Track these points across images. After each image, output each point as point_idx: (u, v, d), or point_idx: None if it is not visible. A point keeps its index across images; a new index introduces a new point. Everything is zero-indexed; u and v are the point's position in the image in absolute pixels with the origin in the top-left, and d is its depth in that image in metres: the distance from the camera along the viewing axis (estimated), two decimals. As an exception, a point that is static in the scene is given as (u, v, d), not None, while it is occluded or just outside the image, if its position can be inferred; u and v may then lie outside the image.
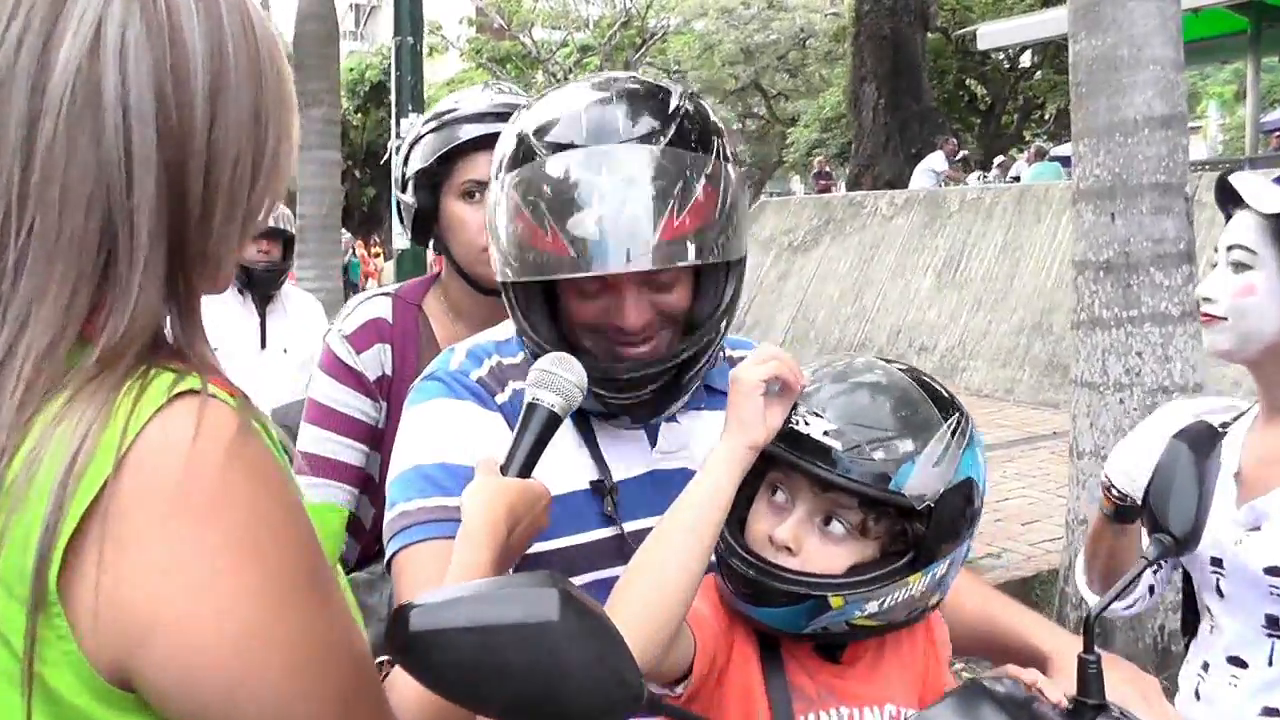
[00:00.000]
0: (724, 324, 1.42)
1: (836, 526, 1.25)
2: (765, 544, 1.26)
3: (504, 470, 1.24)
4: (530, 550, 1.41)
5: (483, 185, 1.86)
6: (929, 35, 20.85)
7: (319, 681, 0.84)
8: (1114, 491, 1.81)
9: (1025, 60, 24.32)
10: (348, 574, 1.94)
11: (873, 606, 1.23)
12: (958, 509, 1.26)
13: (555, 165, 1.33)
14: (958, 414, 1.29)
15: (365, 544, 1.98)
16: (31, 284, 0.79)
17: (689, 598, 1.18)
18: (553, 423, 1.26)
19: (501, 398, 1.47)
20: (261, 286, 4.12)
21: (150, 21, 0.80)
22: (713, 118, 1.43)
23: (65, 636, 0.76)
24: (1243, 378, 7.78)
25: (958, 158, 16.71)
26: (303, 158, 10.57)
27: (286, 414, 3.17)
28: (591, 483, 1.44)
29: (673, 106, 1.38)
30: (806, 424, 1.23)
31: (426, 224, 2.10)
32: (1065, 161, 17.30)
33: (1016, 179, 15.51)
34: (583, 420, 1.46)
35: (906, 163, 17.44)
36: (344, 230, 16.57)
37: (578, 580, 1.41)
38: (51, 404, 0.78)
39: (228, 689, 0.79)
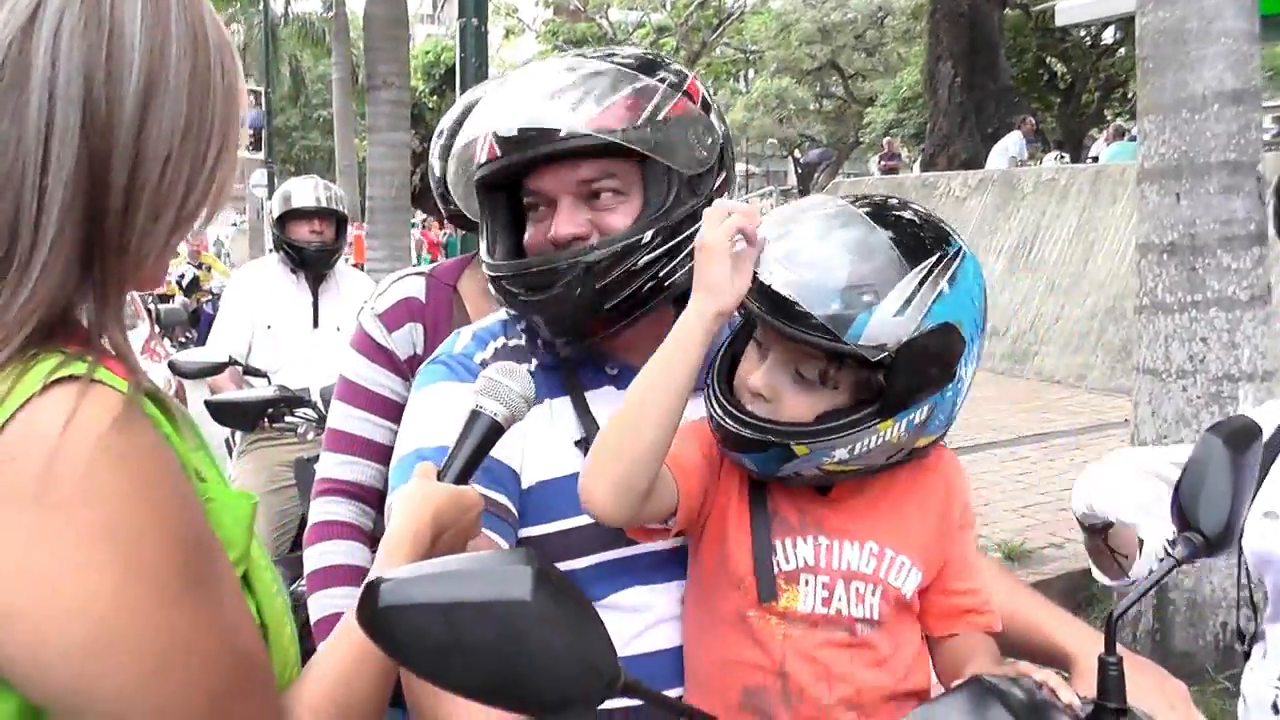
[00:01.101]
0: (652, 240, 1.37)
1: (805, 374, 1.27)
2: (745, 391, 1.31)
3: (440, 476, 1.22)
4: (529, 534, 1.39)
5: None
6: (1007, 12, 20.44)
7: (182, 681, 0.82)
8: (1083, 522, 1.84)
9: (1108, 36, 23.74)
10: (375, 551, 1.95)
11: (841, 453, 1.26)
12: (930, 357, 1.25)
13: (492, 95, 1.49)
14: (938, 255, 1.27)
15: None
16: None
17: (660, 452, 1.23)
18: (494, 432, 1.25)
19: None
20: (314, 266, 4.16)
21: (90, 12, 0.81)
22: (674, 65, 1.49)
23: None
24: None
25: (1034, 138, 16.36)
26: (371, 140, 10.68)
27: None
28: (576, 441, 1.43)
29: (621, 53, 1.47)
30: (770, 274, 1.25)
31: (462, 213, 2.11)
32: (1147, 141, 16.91)
33: (1094, 159, 15.16)
34: (577, 395, 1.45)
35: (983, 143, 17.14)
36: (417, 211, 16.76)
37: (574, 565, 1.40)
38: None
39: (80, 686, 0.79)
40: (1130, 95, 24.61)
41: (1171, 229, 3.68)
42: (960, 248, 1.30)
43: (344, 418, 1.95)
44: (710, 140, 1.44)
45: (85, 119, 0.81)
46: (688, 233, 1.38)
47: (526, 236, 1.45)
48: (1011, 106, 17.78)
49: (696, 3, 30.01)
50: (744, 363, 1.33)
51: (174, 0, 0.86)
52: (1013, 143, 15.86)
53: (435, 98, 30.63)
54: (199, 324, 13.07)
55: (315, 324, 4.16)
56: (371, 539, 1.95)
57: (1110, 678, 1.21)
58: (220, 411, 3.26)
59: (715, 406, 1.32)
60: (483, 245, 1.51)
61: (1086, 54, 24.31)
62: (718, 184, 1.45)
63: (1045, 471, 6.61)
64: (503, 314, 1.54)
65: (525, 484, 1.42)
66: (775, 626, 1.31)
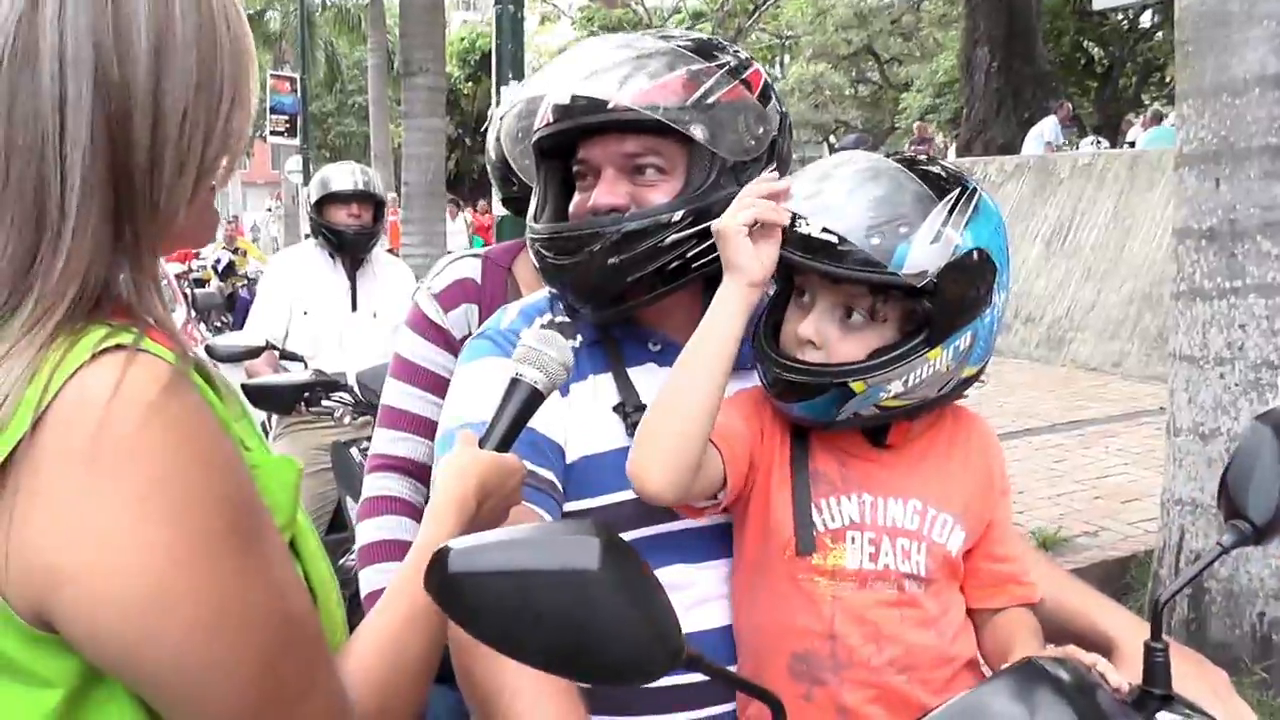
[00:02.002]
0: (683, 220, 1.40)
1: (854, 316, 1.33)
2: (795, 343, 1.36)
3: (482, 444, 1.24)
4: (571, 509, 1.42)
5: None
6: (1045, -4, 20.21)
7: (234, 641, 0.84)
8: None
9: (1145, 20, 23.44)
10: None
11: (896, 386, 1.31)
12: (968, 280, 1.31)
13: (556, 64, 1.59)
14: (959, 188, 1.34)
15: None
16: None
17: (706, 426, 1.28)
18: (534, 399, 1.27)
19: None
20: (352, 250, 4.19)
21: None
22: (739, 52, 1.52)
23: None
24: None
25: (1070, 123, 16.18)
26: (407, 125, 10.71)
27: (374, 377, 3.24)
28: (614, 407, 1.45)
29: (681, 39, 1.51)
30: (808, 225, 1.31)
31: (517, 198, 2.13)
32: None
33: (1131, 144, 14.99)
34: (619, 370, 1.48)
35: (1020, 128, 16.99)
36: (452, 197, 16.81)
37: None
38: None
39: (135, 643, 0.81)
40: (1168, 80, 24.31)
41: (1211, 214, 3.64)
42: (975, 186, 1.36)
43: (399, 395, 1.97)
44: (762, 130, 1.46)
45: (99, 84, 0.83)
46: None
47: (572, 205, 1.49)
48: (1049, 91, 17.62)
49: (733, -13, 29.84)
50: (788, 322, 1.38)
51: None
52: (1048, 128, 15.71)
53: (471, 84, 30.73)
54: (234, 309, 13.19)
55: (354, 308, 4.19)
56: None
57: (1156, 664, 1.22)
58: (257, 395, 3.29)
59: (769, 363, 1.36)
60: (531, 210, 1.55)
61: (1124, 38, 24.03)
62: (765, 174, 1.45)
63: (1079, 459, 6.57)
64: (549, 290, 1.57)
65: (570, 459, 1.44)
66: (824, 588, 1.34)
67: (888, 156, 1.40)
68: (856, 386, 1.30)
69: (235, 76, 0.92)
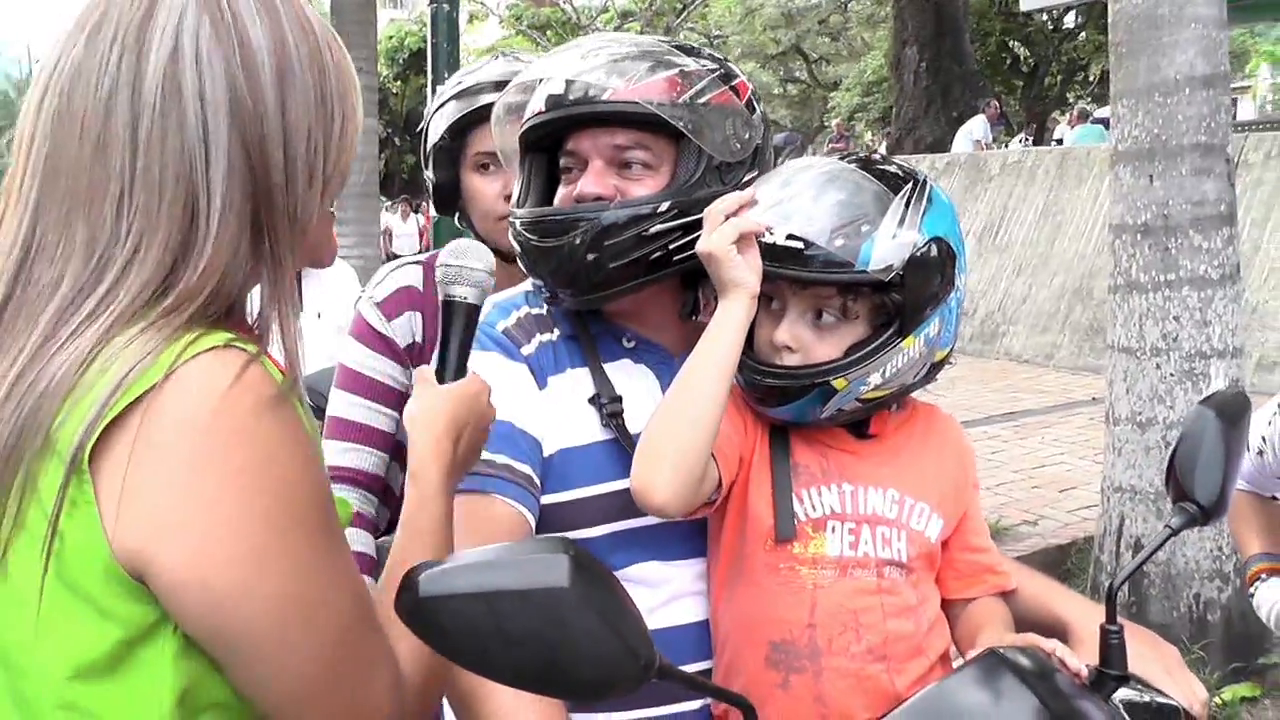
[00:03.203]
0: (668, 211, 1.42)
1: (826, 317, 1.37)
2: (770, 349, 1.39)
3: (440, 378, 1.26)
4: (546, 502, 1.44)
5: (495, 156, 1.88)
6: (971, -3, 20.51)
7: (316, 609, 0.94)
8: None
9: (1069, 21, 23.91)
10: (377, 539, 1.96)
11: (875, 378, 1.36)
12: (931, 269, 1.36)
13: (550, 55, 1.56)
14: (911, 182, 1.39)
15: (395, 509, 2.00)
16: (134, 244, 0.94)
17: (712, 438, 1.31)
18: (473, 314, 1.30)
19: (528, 349, 1.50)
20: (295, 252, 4.13)
21: (218, 27, 0.96)
22: (731, 64, 1.54)
23: (91, 502, 0.88)
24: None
25: (999, 122, 16.44)
26: (340, 126, 10.57)
27: (318, 380, 3.20)
28: (589, 399, 1.48)
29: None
30: (772, 234, 1.34)
31: (449, 197, 2.11)
32: (1108, 124, 17.04)
33: (1059, 142, 15.27)
34: (595, 364, 1.50)
35: (949, 126, 17.22)
36: (383, 198, 16.60)
37: (590, 533, 1.44)
38: (130, 329, 0.92)
39: (226, 598, 0.89)
40: (1091, 79, 24.83)
41: (1145, 210, 3.76)
42: (925, 178, 1.42)
43: (346, 405, 1.97)
44: (748, 135, 1.49)
45: (234, 115, 0.95)
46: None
47: (557, 198, 1.51)
48: (977, 90, 17.89)
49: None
50: (760, 329, 1.41)
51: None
52: (977, 126, 15.93)
53: (399, 83, 30.42)
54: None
55: (301, 307, 4.15)
56: (374, 527, 1.98)
57: (1112, 646, 1.28)
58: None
59: (748, 371, 1.39)
60: (514, 198, 1.57)
61: (1049, 38, 24.44)
62: (747, 178, 1.49)
63: (1016, 450, 6.72)
64: (526, 285, 1.58)
65: (547, 451, 1.45)
66: (805, 576, 1.38)
67: (842, 159, 1.44)
68: (838, 384, 1.35)
69: (342, 93, 1.03)
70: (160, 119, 0.95)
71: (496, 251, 2.03)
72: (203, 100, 0.95)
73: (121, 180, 0.95)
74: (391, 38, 30.45)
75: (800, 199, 1.37)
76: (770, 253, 1.34)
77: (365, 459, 1.94)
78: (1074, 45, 24.42)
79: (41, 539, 0.88)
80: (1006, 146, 14.92)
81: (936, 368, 1.44)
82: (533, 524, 1.41)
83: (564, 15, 29.93)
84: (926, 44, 18.27)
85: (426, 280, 2.03)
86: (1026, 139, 16.70)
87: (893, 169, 1.42)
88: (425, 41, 7.35)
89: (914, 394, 1.47)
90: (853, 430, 1.44)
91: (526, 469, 1.42)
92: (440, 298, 1.29)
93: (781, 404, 1.39)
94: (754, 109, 1.52)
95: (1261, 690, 3.75)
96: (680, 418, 1.32)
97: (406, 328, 1.98)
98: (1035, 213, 10.48)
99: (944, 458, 1.49)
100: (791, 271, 1.34)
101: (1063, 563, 4.74)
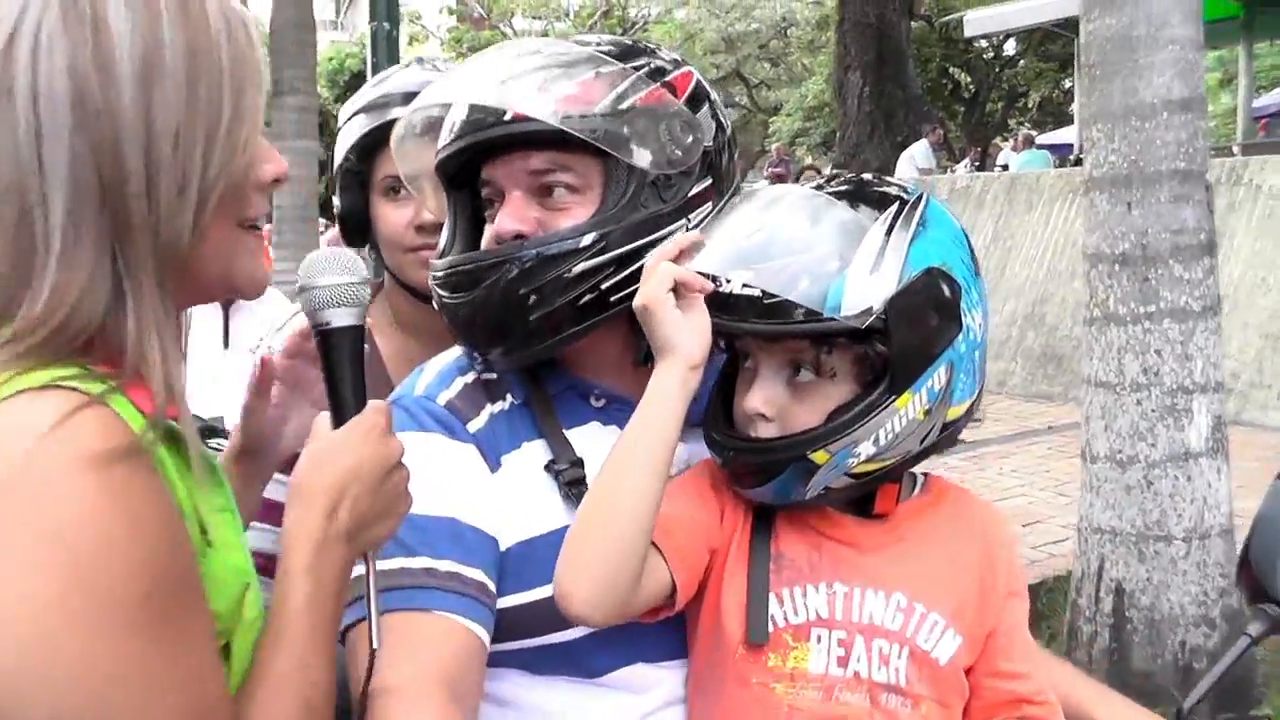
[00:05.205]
0: (593, 245, 1.19)
1: (802, 374, 1.15)
2: (744, 419, 1.18)
3: (337, 422, 1.02)
4: (509, 604, 1.20)
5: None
6: (912, 23, 20.66)
7: (122, 713, 0.78)
8: None
9: (1010, 48, 24.24)
10: None
11: (867, 448, 1.12)
12: (923, 307, 1.12)
13: (452, 74, 1.38)
14: (896, 203, 1.14)
15: None
16: None
17: (644, 535, 1.09)
18: (359, 336, 1.05)
19: (476, 423, 1.26)
20: (223, 282, 3.86)
21: (69, 13, 0.84)
22: (669, 55, 1.32)
23: None
24: (1258, 373, 7.55)
25: (940, 147, 16.51)
26: (278, 148, 10.34)
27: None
28: (545, 466, 1.24)
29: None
30: (728, 282, 1.13)
31: (358, 227, 1.85)
32: (1052, 150, 17.25)
33: (1004, 167, 15.34)
34: (555, 434, 1.27)
35: (893, 151, 17.25)
36: (324, 220, 16.31)
37: (567, 636, 1.19)
38: None
39: (12, 690, 0.75)
40: (1031, 105, 25.18)
41: (1123, 238, 3.60)
42: (921, 193, 1.17)
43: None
44: (690, 139, 1.25)
45: (76, 114, 0.83)
46: (645, 241, 1.20)
47: (484, 240, 1.28)
48: (921, 115, 17.95)
49: (600, 12, 29.95)
50: (737, 395, 1.18)
51: None
52: (919, 152, 15.96)
53: (340, 104, 30.11)
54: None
55: (225, 345, 3.87)
56: None
57: None
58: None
59: (716, 447, 1.17)
60: (439, 248, 1.34)
61: (989, 65, 24.78)
62: (696, 190, 1.25)
63: (976, 482, 6.55)
64: None
65: (505, 545, 1.22)
66: (781, 695, 1.13)
67: (829, 182, 1.21)
68: (817, 457, 1.12)
69: (237, 90, 0.91)
70: None
71: (415, 293, 1.80)
72: (35, 96, 0.83)
73: None
74: (332, 59, 30.24)
75: (750, 237, 1.14)
76: (728, 304, 1.12)
77: (271, 539, 1.68)
78: (1014, 72, 24.78)
79: None
80: (951, 171, 14.93)
81: (954, 427, 1.19)
82: (486, 640, 1.17)
83: (504, 39, 29.85)
84: (869, 69, 18.32)
85: None
86: (973, 164, 16.78)
87: (879, 184, 1.19)
88: (365, 63, 7.18)
89: (939, 469, 1.24)
90: (855, 508, 1.20)
91: (477, 574, 1.17)
92: (318, 326, 1.04)
93: (758, 484, 1.15)
94: (701, 104, 1.28)
95: (1251, 741, 3.58)
96: (601, 515, 1.09)
97: None
98: (985, 239, 10.41)
99: (967, 558, 1.23)
100: (752, 325, 1.11)
101: (1032, 604, 4.56)
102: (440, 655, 1.12)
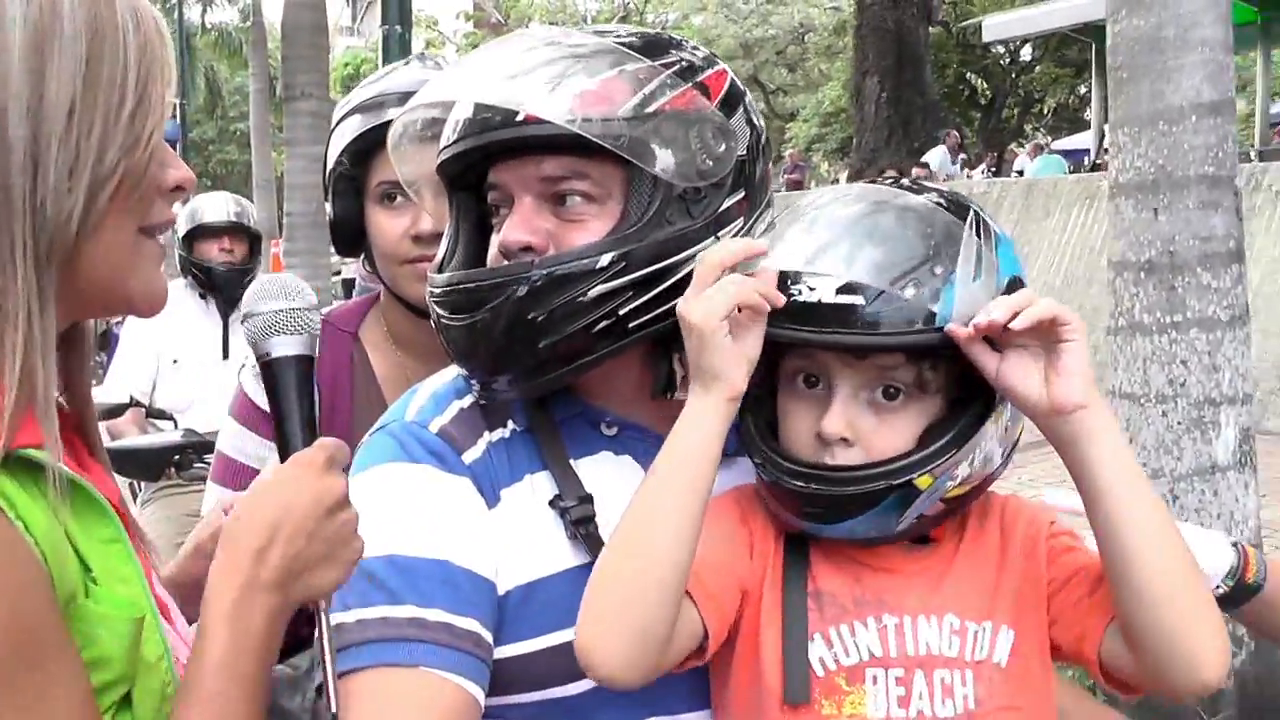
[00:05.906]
0: (611, 266, 1.07)
1: (891, 396, 1.05)
2: (813, 445, 1.06)
3: (285, 457, 0.94)
4: (508, 654, 1.09)
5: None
6: (930, 29, 20.59)
7: None
8: None
9: (1025, 54, 24.14)
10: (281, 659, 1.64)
11: (964, 469, 1.04)
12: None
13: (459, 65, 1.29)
14: (972, 209, 1.06)
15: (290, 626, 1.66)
16: None
17: (680, 583, 1.00)
18: (307, 366, 0.98)
19: (472, 454, 1.14)
20: (225, 290, 3.77)
21: None
22: (699, 50, 1.18)
23: None
24: (1279, 381, 7.35)
25: (957, 152, 16.44)
26: (291, 153, 10.29)
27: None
28: (550, 501, 1.13)
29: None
30: (812, 289, 1.02)
31: (352, 236, 1.73)
32: (1067, 155, 17.16)
33: (1020, 173, 15.25)
34: (560, 464, 1.15)
35: (910, 156, 17.19)
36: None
37: (573, 690, 1.08)
38: None
39: None
40: (1047, 111, 25.04)
41: (1149, 246, 3.49)
42: (971, 203, 1.10)
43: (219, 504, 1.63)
44: (723, 148, 1.12)
45: None
46: (670, 262, 1.08)
47: (490, 251, 1.16)
48: (939, 121, 17.90)
49: (618, 17, 29.91)
50: (793, 418, 1.08)
51: None
52: (935, 158, 15.87)
53: (354, 111, 30.17)
54: (109, 346, 12.46)
55: (225, 355, 3.78)
56: None
57: None
58: (119, 461, 2.87)
59: (789, 478, 1.04)
60: (438, 259, 1.21)
61: (1005, 71, 24.69)
62: (727, 204, 1.12)
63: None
64: None
65: (504, 589, 1.10)
66: None
67: (873, 182, 1.12)
68: (921, 482, 1.02)
69: (144, 78, 0.87)
70: None
71: (411, 308, 1.66)
72: None
73: None
74: (347, 65, 30.35)
75: (846, 239, 1.03)
76: (811, 316, 1.00)
77: None
78: (1030, 78, 24.66)
79: None
80: (969, 176, 14.84)
81: (1015, 444, 1.11)
82: (480, 699, 1.06)
83: (521, 44, 29.92)
84: (888, 74, 18.25)
85: (325, 341, 1.66)
86: (989, 170, 16.69)
87: (941, 197, 1.09)
88: (379, 67, 7.14)
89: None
90: (910, 541, 1.10)
91: (471, 624, 1.06)
92: (255, 364, 0.98)
93: (841, 519, 1.04)
94: (735, 107, 1.15)
95: (1282, 764, 3.47)
96: (630, 563, 0.99)
97: None
98: (1003, 245, 10.33)
99: (1008, 555, 1.13)
100: (847, 337, 1.00)
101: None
102: (428, 718, 1.01)
